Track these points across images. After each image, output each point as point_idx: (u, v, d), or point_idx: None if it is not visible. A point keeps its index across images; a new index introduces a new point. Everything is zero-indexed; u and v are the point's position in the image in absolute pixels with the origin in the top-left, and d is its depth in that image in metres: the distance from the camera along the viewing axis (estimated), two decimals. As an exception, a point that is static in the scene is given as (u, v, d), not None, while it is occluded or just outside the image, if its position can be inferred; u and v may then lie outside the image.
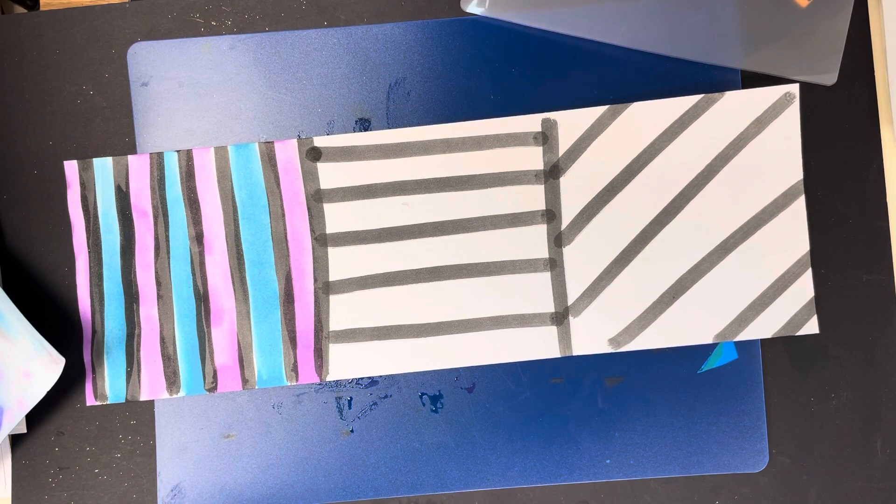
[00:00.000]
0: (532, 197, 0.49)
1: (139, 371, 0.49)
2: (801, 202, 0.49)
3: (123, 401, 0.49)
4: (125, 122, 0.50)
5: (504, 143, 0.49)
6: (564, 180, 0.49)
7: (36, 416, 0.49)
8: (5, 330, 0.46)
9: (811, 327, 0.49)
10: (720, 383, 0.49)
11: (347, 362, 0.49)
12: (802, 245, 0.49)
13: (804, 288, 0.49)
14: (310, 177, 0.49)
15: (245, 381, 0.49)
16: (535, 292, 0.49)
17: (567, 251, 0.49)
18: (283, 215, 0.49)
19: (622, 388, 0.49)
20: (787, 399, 0.49)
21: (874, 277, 0.49)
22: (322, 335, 0.49)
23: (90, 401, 0.49)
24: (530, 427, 0.49)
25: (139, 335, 0.49)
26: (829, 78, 0.49)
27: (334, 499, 0.49)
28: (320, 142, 0.49)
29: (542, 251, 0.49)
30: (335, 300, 0.49)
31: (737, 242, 0.49)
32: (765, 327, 0.49)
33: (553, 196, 0.49)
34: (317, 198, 0.49)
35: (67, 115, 0.50)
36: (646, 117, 0.49)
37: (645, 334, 0.49)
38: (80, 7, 0.50)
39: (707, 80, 0.49)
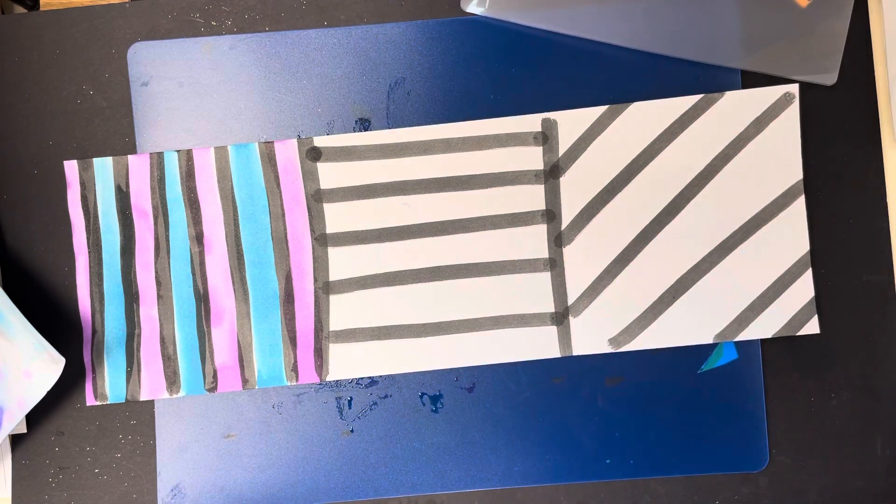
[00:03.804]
0: (532, 197, 0.49)
1: (139, 371, 0.49)
2: (801, 202, 0.49)
3: (123, 401, 0.49)
4: (125, 122, 0.50)
5: (504, 143, 0.49)
6: (564, 180, 0.49)
7: (36, 416, 0.49)
8: (5, 330, 0.46)
9: (811, 327, 0.49)
10: (720, 383, 0.49)
11: (347, 362, 0.49)
12: (802, 245, 0.49)
13: (804, 288, 0.49)
14: (310, 177, 0.49)
15: (245, 381, 0.49)
16: (535, 292, 0.49)
17: (567, 251, 0.49)
18: (283, 215, 0.49)
19: (622, 388, 0.49)
20: (787, 399, 0.49)
21: (874, 277, 0.49)
22: (322, 335, 0.49)
23: (90, 401, 0.49)
24: (530, 427, 0.49)
25: (139, 335, 0.49)
26: (829, 78, 0.49)
27: (334, 499, 0.49)
28: (320, 142, 0.49)
29: (542, 251, 0.49)
30: (335, 300, 0.49)
31: (737, 242, 0.49)
32: (765, 327, 0.49)
33: (553, 196, 0.49)
34: (317, 198, 0.49)
35: (67, 115, 0.50)
36: (646, 117, 0.49)
37: (645, 334, 0.49)
38: (80, 7, 0.50)
39: (707, 80, 0.49)
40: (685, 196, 0.49)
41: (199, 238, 0.49)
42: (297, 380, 0.49)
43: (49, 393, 0.46)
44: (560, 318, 0.49)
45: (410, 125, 0.49)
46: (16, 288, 0.49)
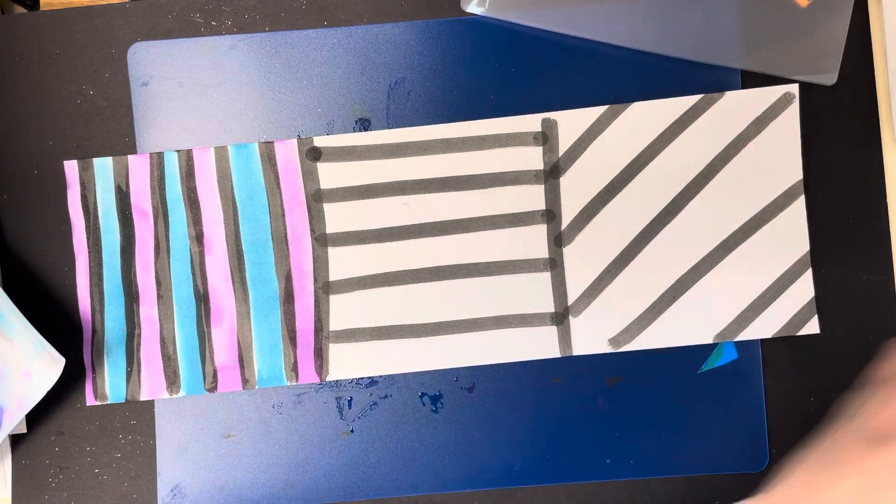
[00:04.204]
0: (532, 197, 0.49)
1: (139, 371, 0.49)
2: (801, 202, 0.49)
3: (123, 401, 0.49)
4: (125, 122, 0.50)
5: (504, 143, 0.49)
6: (564, 180, 0.49)
7: (36, 416, 0.49)
8: (5, 330, 0.46)
9: (811, 327, 0.49)
10: (720, 383, 0.49)
11: (347, 362, 0.49)
12: (802, 245, 0.49)
13: (804, 288, 0.49)
14: (310, 177, 0.49)
15: (245, 381, 0.49)
16: (535, 292, 0.49)
17: (567, 251, 0.49)
18: (283, 215, 0.49)
19: (622, 388, 0.49)
20: (787, 399, 0.49)
21: (874, 277, 0.49)
22: (322, 335, 0.49)
23: (90, 401, 0.49)
24: (530, 427, 0.49)
25: (139, 335, 0.49)
26: (829, 78, 0.49)
27: (334, 499, 0.49)
28: (320, 142, 0.49)
29: (542, 251, 0.49)
30: (335, 300, 0.49)
31: (737, 242, 0.49)
32: (765, 327, 0.49)
33: (553, 196, 0.49)
34: (317, 198, 0.49)
35: (67, 115, 0.50)
36: (646, 117, 0.49)
37: (645, 334, 0.49)
38: (80, 7, 0.50)
39: (707, 80, 0.49)
40: (685, 196, 0.49)
41: (199, 238, 0.49)
42: (297, 380, 0.49)
43: (49, 393, 0.46)
44: (560, 318, 0.49)
45: (410, 125, 0.49)
46: (16, 288, 0.49)
